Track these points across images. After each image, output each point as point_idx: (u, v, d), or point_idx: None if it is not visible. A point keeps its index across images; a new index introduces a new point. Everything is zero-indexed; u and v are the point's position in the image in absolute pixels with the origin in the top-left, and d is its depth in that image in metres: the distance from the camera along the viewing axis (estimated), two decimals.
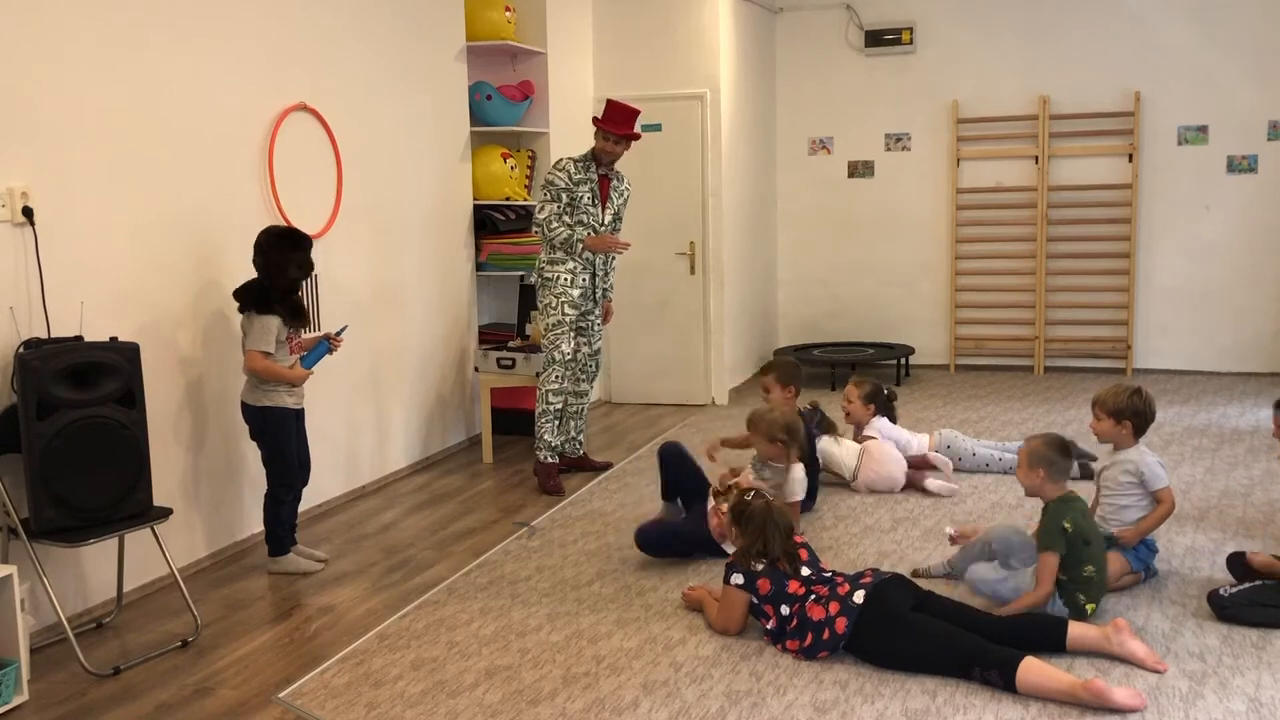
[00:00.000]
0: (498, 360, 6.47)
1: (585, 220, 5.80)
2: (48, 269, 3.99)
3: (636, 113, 5.86)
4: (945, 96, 8.95)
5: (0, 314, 3.86)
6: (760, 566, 3.77)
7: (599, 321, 6.09)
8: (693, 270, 7.91)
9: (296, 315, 4.60)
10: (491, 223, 6.95)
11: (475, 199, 6.90)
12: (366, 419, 5.93)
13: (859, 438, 5.85)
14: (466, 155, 6.82)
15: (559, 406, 5.89)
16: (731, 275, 8.12)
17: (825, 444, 5.69)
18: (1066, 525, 3.79)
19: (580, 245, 5.77)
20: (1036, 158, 8.73)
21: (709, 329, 7.94)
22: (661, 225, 7.89)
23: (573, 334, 5.90)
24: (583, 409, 6.19)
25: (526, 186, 7.18)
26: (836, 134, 9.30)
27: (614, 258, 6.11)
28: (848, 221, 9.33)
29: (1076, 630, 3.59)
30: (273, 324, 4.48)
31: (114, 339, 4.01)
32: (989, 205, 8.94)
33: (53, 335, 3.97)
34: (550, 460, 5.87)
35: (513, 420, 7.07)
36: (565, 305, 5.84)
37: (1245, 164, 8.39)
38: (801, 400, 5.59)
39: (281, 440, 4.64)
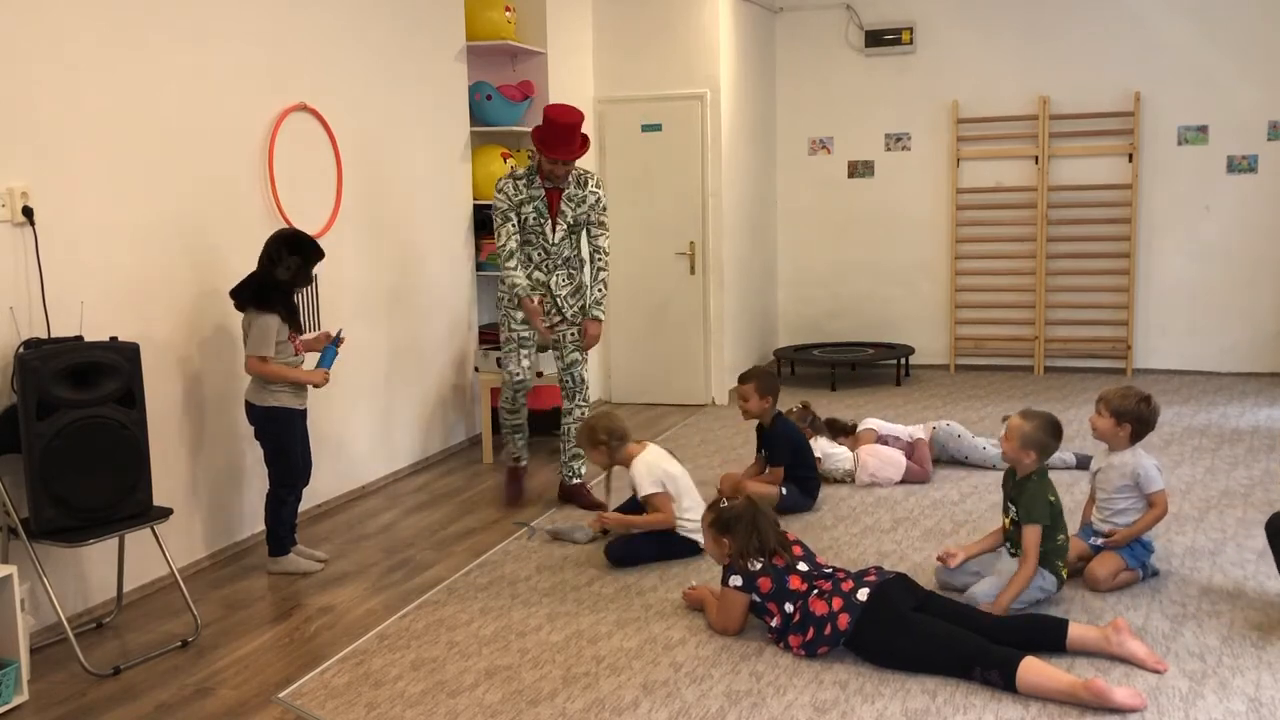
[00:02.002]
0: (498, 360, 6.45)
1: (533, 240, 5.40)
2: (48, 269, 3.99)
3: (575, 127, 5.27)
4: (945, 96, 8.95)
5: (0, 314, 3.86)
6: (758, 566, 3.77)
7: (570, 333, 5.53)
8: (693, 270, 7.91)
9: (293, 314, 4.60)
10: (491, 223, 6.94)
11: (475, 199, 6.90)
12: (366, 419, 5.93)
13: (857, 443, 5.93)
14: (466, 155, 6.82)
15: (519, 422, 5.63)
16: (731, 275, 8.12)
17: (823, 444, 5.75)
18: (1052, 499, 3.95)
19: (518, 300, 5.35)
20: (1036, 158, 8.73)
21: (709, 329, 7.94)
22: (661, 225, 7.90)
23: (524, 352, 5.45)
24: (567, 429, 5.57)
25: None
26: (836, 134, 9.30)
27: (594, 284, 5.48)
28: (848, 221, 9.33)
29: (1076, 630, 3.59)
30: (272, 323, 4.48)
31: (114, 339, 4.01)
32: (989, 205, 8.94)
33: (53, 335, 3.97)
34: (511, 466, 5.73)
35: None
36: (510, 323, 5.44)
37: (1245, 164, 8.39)
38: (792, 401, 5.62)
39: (286, 440, 4.64)
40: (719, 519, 3.88)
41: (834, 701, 3.37)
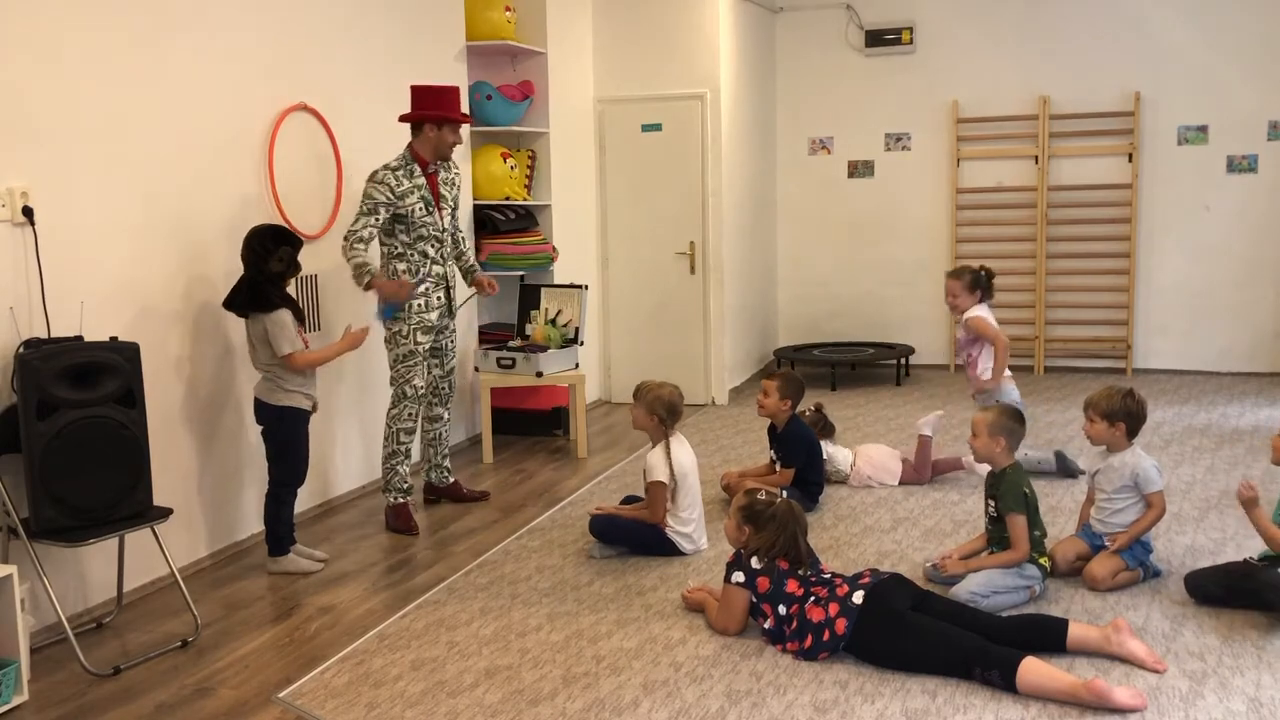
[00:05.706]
0: (498, 360, 6.47)
1: (425, 233, 5.20)
2: (48, 269, 3.98)
3: (456, 90, 5.28)
4: (945, 96, 8.95)
5: (0, 314, 3.86)
6: (759, 565, 3.77)
7: (454, 338, 5.55)
8: (693, 270, 7.91)
9: (296, 306, 4.60)
10: (491, 223, 6.95)
11: (475, 199, 6.90)
12: (367, 419, 5.93)
13: (960, 320, 5.82)
14: (466, 155, 6.81)
15: (410, 445, 5.35)
16: (731, 275, 8.12)
17: (827, 445, 5.76)
18: (1027, 491, 4.07)
19: (368, 280, 5.00)
20: (1036, 158, 8.74)
21: (709, 329, 7.95)
22: (661, 225, 7.90)
23: (426, 364, 5.36)
24: (440, 434, 5.65)
25: (526, 186, 7.18)
26: (836, 134, 9.30)
27: (466, 252, 5.62)
28: (848, 221, 9.33)
29: (1076, 630, 3.59)
30: (287, 318, 4.50)
31: (114, 338, 4.01)
32: (989, 205, 8.95)
33: (53, 335, 3.97)
34: (400, 501, 5.33)
35: (513, 420, 7.08)
36: (418, 333, 5.23)
37: (1245, 164, 8.39)
38: (805, 403, 5.62)
39: (294, 440, 4.65)
40: (751, 509, 3.87)
41: (834, 701, 3.37)
